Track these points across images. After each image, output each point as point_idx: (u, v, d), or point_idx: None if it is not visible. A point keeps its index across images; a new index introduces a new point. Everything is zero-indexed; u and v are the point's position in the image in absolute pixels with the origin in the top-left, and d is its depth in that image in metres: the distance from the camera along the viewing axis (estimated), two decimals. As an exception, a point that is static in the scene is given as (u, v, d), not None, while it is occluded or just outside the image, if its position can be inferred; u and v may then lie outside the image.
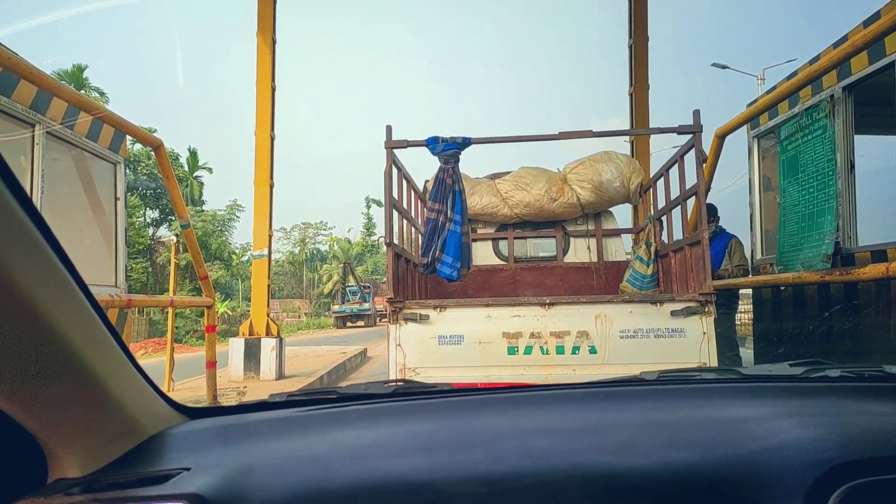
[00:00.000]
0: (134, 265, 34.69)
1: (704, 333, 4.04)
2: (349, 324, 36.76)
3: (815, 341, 5.28)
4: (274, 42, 10.44)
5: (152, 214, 41.57)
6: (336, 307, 38.00)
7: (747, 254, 6.55)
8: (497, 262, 6.73)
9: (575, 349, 4.06)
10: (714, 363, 4.02)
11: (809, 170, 5.36)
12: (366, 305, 36.78)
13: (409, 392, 1.44)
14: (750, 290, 7.44)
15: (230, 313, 43.38)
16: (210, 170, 45.16)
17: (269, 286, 10.37)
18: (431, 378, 4.12)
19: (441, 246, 4.56)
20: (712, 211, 6.22)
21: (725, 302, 6.36)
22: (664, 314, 4.10)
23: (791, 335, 5.65)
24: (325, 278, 62.79)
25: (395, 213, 4.97)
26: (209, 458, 1.09)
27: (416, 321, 4.28)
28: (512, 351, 4.13)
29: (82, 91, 36.13)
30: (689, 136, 4.49)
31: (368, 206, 74.92)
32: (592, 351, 4.07)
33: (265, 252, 10.30)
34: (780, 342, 5.80)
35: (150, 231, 40.74)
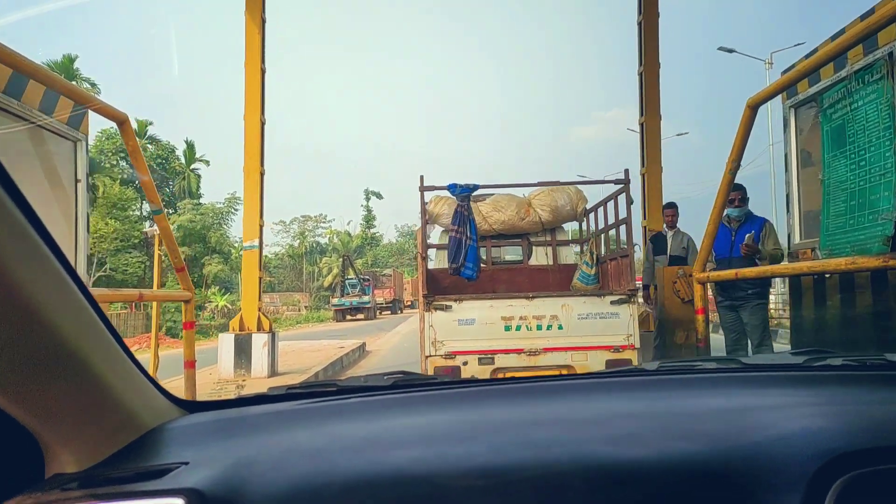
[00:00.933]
0: (130, 259, 34.31)
1: (631, 315, 5.91)
2: (349, 317, 36.36)
3: (868, 333, 4.67)
4: (263, 21, 9.83)
5: (148, 207, 41.43)
6: (335, 300, 37.63)
7: (782, 239, 5.94)
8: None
9: (549, 327, 5.84)
10: (637, 338, 5.81)
11: (860, 141, 4.74)
12: (365, 298, 36.38)
13: (409, 384, 1.43)
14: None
15: (230, 307, 43.25)
16: (207, 162, 44.56)
17: (260, 278, 9.76)
18: (453, 347, 5.73)
19: (464, 256, 6.45)
20: (741, 192, 5.87)
21: (759, 292, 5.86)
22: (605, 303, 5.92)
23: (838, 326, 5.05)
24: (324, 271, 63.17)
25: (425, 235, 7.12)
26: (208, 452, 1.08)
27: (442, 310, 5.82)
28: (507, 328, 5.83)
29: (73, 83, 35.49)
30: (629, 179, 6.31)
31: (368, 199, 74.99)
32: (560, 328, 5.84)
33: (256, 243, 9.68)
34: (824, 334, 5.20)
35: (148, 224, 40.64)
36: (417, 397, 1.33)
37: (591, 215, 7.85)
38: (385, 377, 1.49)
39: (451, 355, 5.72)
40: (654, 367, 1.48)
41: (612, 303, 5.88)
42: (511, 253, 8.58)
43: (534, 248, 8.45)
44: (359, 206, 74.98)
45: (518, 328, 5.83)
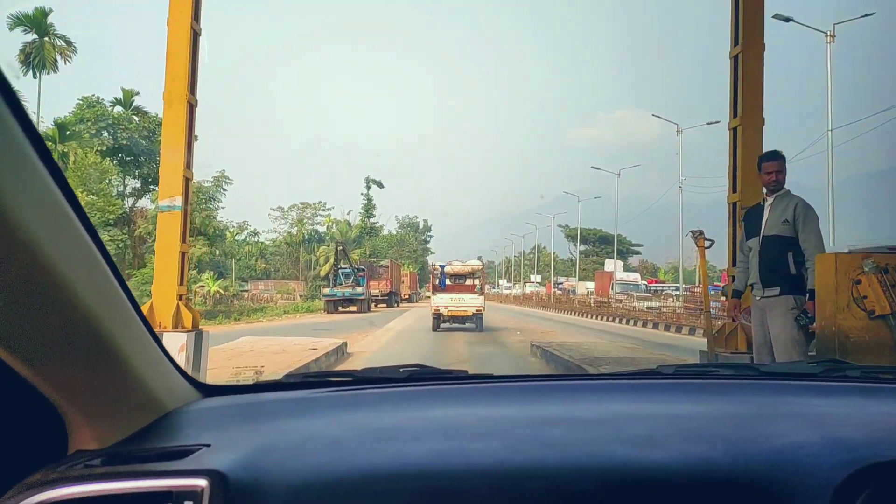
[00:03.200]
0: (106, 236, 31.84)
1: (477, 297, 20.36)
2: (340, 308, 33.96)
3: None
4: None
5: (133, 184, 39.13)
6: (327, 290, 35.23)
7: None
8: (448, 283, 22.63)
9: (461, 300, 19.97)
10: (482, 309, 19.73)
11: None
12: (359, 289, 33.84)
13: (424, 377, 1.46)
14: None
15: (223, 293, 41.32)
16: (196, 137, 41.79)
17: (183, 254, 6.86)
18: (436, 304, 19.71)
19: (440, 280, 21.90)
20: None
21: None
22: (481, 299, 20.46)
23: None
24: (321, 260, 63.15)
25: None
26: (229, 436, 1.09)
27: (436, 293, 21.04)
28: (452, 300, 19.91)
29: (46, 39, 33.03)
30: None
31: (368, 187, 72.93)
32: (463, 300, 19.92)
33: (177, 203, 6.76)
34: None
35: (130, 201, 38.40)
36: (433, 391, 1.36)
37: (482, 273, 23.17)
38: (401, 370, 1.49)
39: (437, 308, 19.62)
40: (670, 370, 1.52)
41: (475, 297, 20.01)
42: (460, 279, 22.15)
43: (467, 279, 22.03)
44: (359, 195, 73.03)
45: (453, 300, 19.55)
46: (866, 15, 21.45)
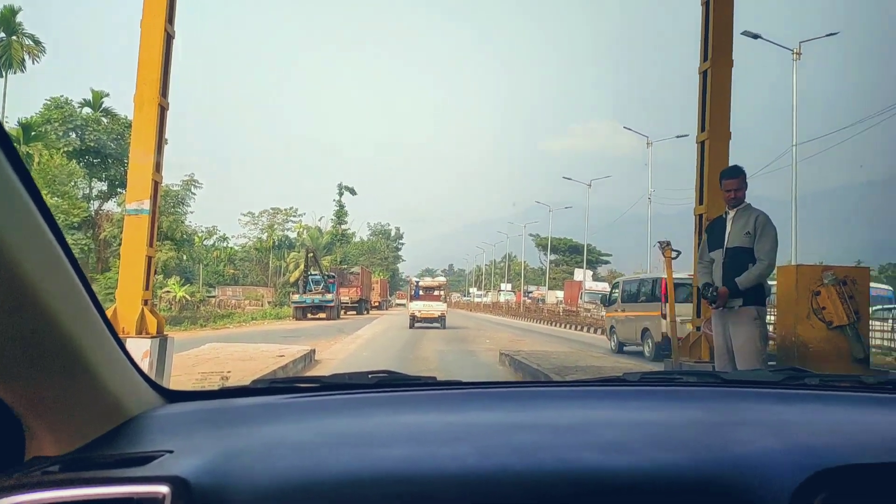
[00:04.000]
0: (70, 240, 31.09)
1: (446, 305, 29.78)
2: (309, 315, 33.66)
3: None
4: None
5: (100, 186, 38.39)
6: (296, 297, 34.89)
7: None
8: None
9: (430, 306, 28.16)
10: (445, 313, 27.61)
11: None
12: (329, 296, 33.65)
13: (394, 383, 1.45)
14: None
15: (189, 298, 40.69)
16: (166, 140, 41.17)
17: (149, 259, 6.75)
18: (413, 310, 27.60)
19: (415, 291, 29.99)
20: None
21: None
22: (444, 305, 28.97)
23: None
24: (291, 266, 62.81)
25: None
26: (192, 442, 1.07)
27: (413, 300, 29.29)
28: (425, 306, 27.80)
29: (14, 38, 32.28)
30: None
31: (341, 194, 72.54)
32: (433, 306, 28.15)
33: (145, 206, 6.66)
34: None
35: (96, 204, 37.66)
36: (403, 397, 1.35)
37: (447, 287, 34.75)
38: (369, 376, 1.48)
39: (412, 312, 27.32)
40: (636, 378, 1.53)
41: (440, 304, 28.05)
42: (429, 291, 29.58)
43: (435, 290, 29.72)
44: (331, 202, 72.84)
45: (425, 306, 27.31)
46: (831, 34, 22.11)
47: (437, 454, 0.99)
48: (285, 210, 74.35)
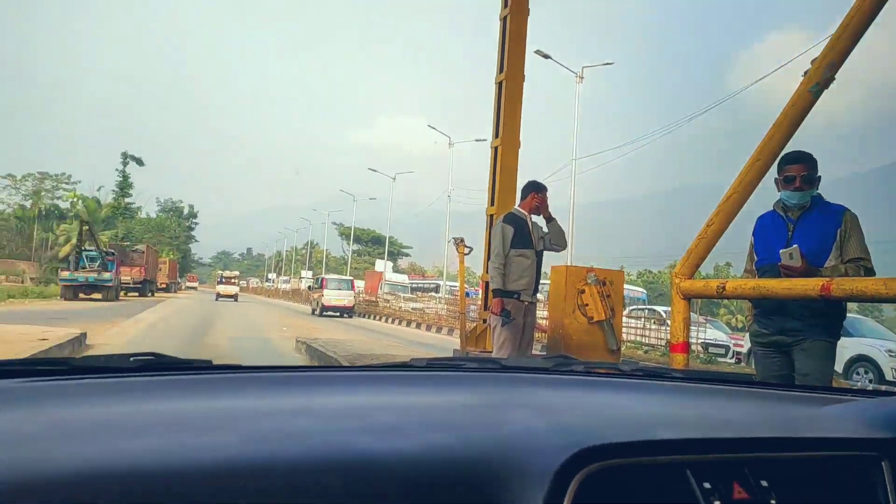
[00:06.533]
0: None
1: (239, 289, 46.98)
2: (82, 295, 30.25)
3: None
4: None
5: None
6: (66, 274, 31.02)
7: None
8: None
9: (231, 291, 45.48)
10: (238, 293, 44.42)
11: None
12: (106, 275, 30.42)
13: (161, 367, 1.33)
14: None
15: None
16: None
17: None
18: (218, 290, 43.33)
19: (221, 279, 47.29)
20: (806, 164, 3.49)
21: (824, 324, 3.37)
22: (237, 288, 46.01)
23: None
24: (62, 240, 56.32)
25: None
26: None
27: (219, 285, 45.45)
28: (224, 289, 44.51)
29: None
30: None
31: (125, 163, 66.04)
32: (231, 290, 44.33)
33: None
34: None
35: None
36: (168, 381, 1.24)
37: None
38: (131, 359, 1.35)
39: (218, 292, 42.87)
40: (422, 363, 1.62)
41: (236, 287, 45.00)
42: (228, 278, 46.42)
43: (232, 278, 47.34)
44: (113, 171, 65.95)
45: (225, 289, 43.05)
46: (607, 63, 25.46)
47: (192, 444, 0.92)
48: (56, 176, 66.40)
